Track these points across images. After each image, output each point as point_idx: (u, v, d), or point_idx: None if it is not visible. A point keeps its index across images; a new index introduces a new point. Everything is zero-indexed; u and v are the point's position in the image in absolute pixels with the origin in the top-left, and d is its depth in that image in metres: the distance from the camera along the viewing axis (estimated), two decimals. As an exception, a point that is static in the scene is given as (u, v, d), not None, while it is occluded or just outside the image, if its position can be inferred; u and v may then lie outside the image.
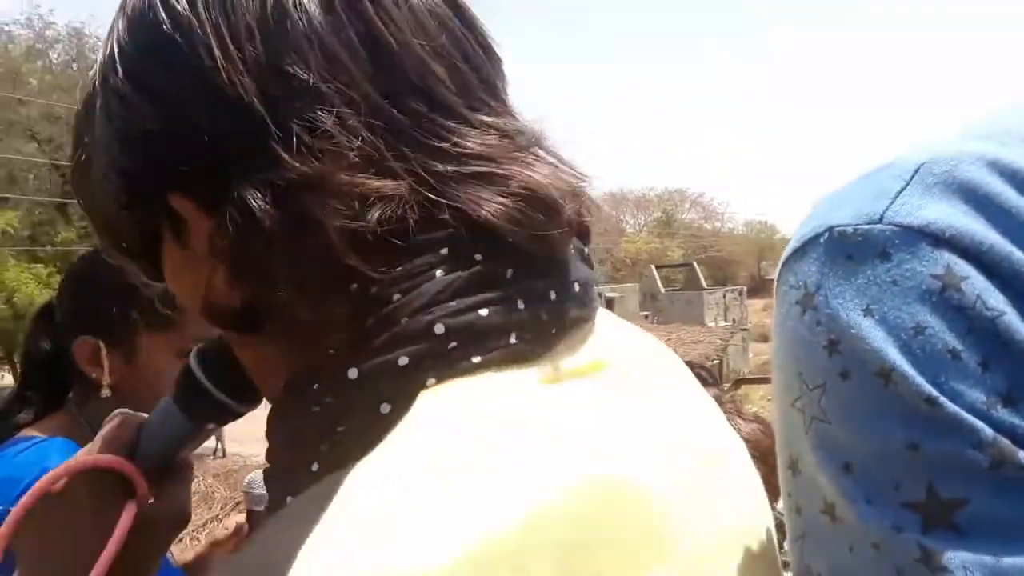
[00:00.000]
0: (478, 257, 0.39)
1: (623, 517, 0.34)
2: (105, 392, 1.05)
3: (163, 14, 0.40)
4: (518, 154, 0.41)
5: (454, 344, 0.37)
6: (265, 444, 0.42)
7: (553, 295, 0.40)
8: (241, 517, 1.23)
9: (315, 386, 0.39)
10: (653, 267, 31.42)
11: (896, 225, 0.35)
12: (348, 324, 0.38)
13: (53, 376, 1.09)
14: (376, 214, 0.37)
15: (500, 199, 0.39)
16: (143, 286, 1.03)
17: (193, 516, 1.22)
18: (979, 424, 0.32)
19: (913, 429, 0.33)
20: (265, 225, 0.38)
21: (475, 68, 0.42)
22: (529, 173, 0.40)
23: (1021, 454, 0.31)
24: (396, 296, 0.38)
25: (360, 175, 0.37)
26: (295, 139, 0.38)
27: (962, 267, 0.33)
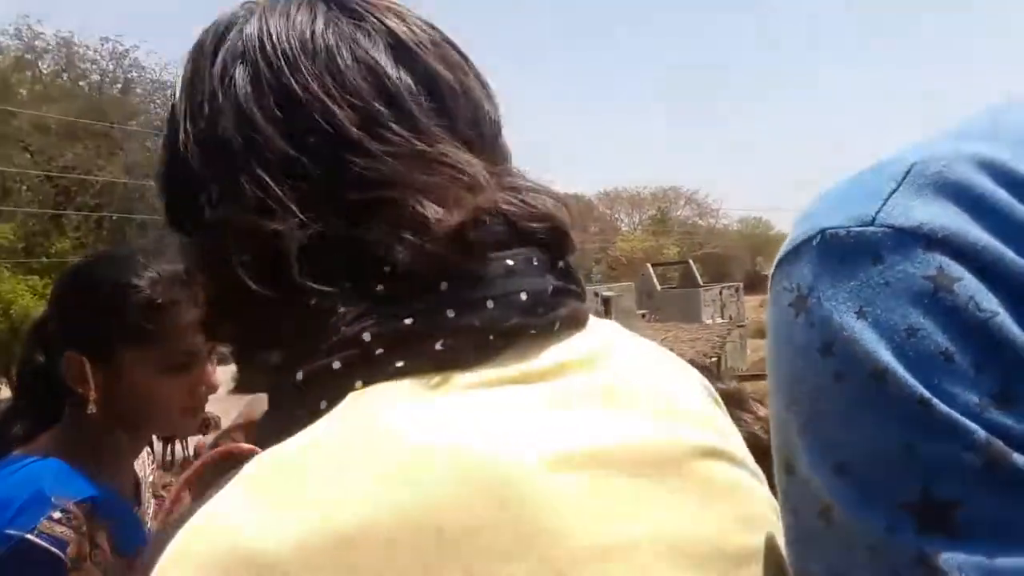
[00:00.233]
0: (413, 273, 0.43)
1: (485, 507, 0.37)
2: (91, 408, 1.01)
3: (170, 104, 0.54)
4: (466, 177, 0.46)
5: (380, 350, 0.42)
6: None
7: (490, 304, 0.43)
8: None
9: (277, 387, 0.46)
10: (649, 265, 31.46)
11: (888, 227, 0.35)
12: (300, 334, 0.44)
13: (47, 389, 1.07)
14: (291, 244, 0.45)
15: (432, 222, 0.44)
16: (128, 300, 1.02)
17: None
18: (972, 426, 0.32)
19: (907, 431, 0.33)
20: (195, 252, 0.51)
21: (421, 103, 0.48)
22: (469, 195, 0.45)
23: (1014, 455, 0.31)
24: (341, 309, 0.43)
25: (266, 218, 0.45)
26: (211, 193, 0.48)
27: (955, 269, 0.33)
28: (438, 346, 0.42)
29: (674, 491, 0.43)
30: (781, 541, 0.45)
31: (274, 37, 0.48)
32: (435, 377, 0.41)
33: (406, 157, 0.45)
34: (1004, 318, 0.32)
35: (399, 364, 0.42)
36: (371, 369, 0.42)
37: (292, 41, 0.47)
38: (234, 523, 0.36)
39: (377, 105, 0.46)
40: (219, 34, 0.50)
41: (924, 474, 0.32)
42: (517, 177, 0.49)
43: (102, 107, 17.85)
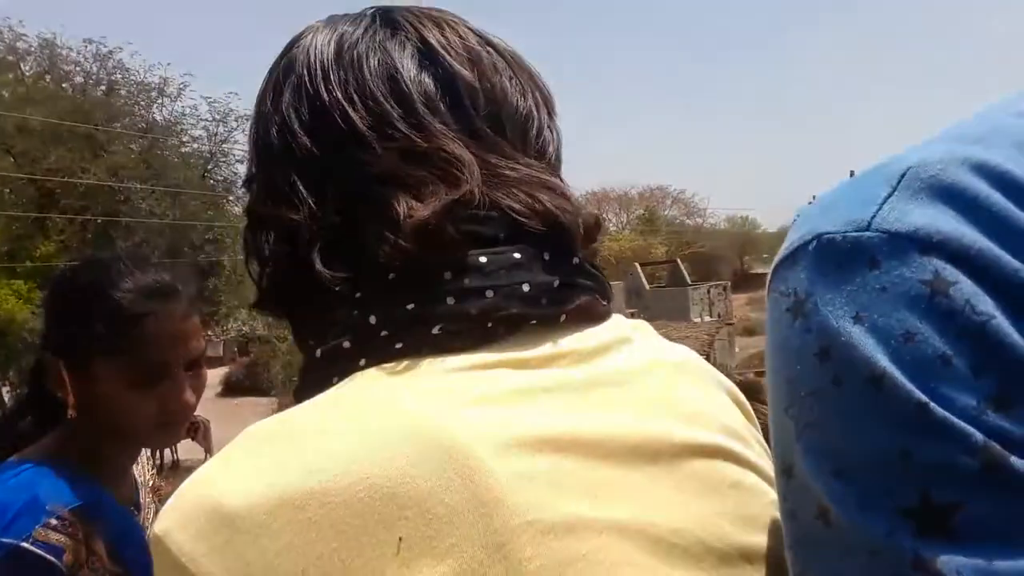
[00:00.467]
0: (422, 264, 0.47)
1: (439, 478, 0.39)
2: (71, 413, 1.01)
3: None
4: (509, 173, 0.49)
5: (384, 332, 0.46)
6: None
7: (490, 294, 0.46)
8: None
9: (305, 362, 0.50)
10: (637, 265, 31.49)
11: (884, 231, 0.35)
12: (322, 316, 0.49)
13: (43, 392, 1.06)
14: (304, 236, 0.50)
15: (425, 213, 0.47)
16: (97, 308, 1.00)
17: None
18: (970, 429, 0.32)
19: (905, 435, 0.33)
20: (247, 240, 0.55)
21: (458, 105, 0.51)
22: (492, 189, 0.48)
23: (1012, 458, 0.32)
24: (357, 295, 0.48)
25: (291, 211, 0.51)
26: (258, 189, 0.54)
27: (950, 272, 0.33)
28: (435, 330, 0.45)
29: (654, 481, 0.44)
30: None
31: (318, 49, 0.53)
32: (428, 359, 0.45)
33: (405, 152, 0.49)
34: (1001, 321, 0.33)
35: (398, 346, 0.46)
36: (374, 349, 0.46)
37: (329, 52, 0.52)
38: (211, 479, 0.41)
39: (388, 106, 0.50)
40: (287, 48, 0.56)
41: (922, 478, 0.32)
42: (539, 172, 0.51)
43: (86, 109, 17.69)
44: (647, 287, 28.93)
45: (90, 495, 0.98)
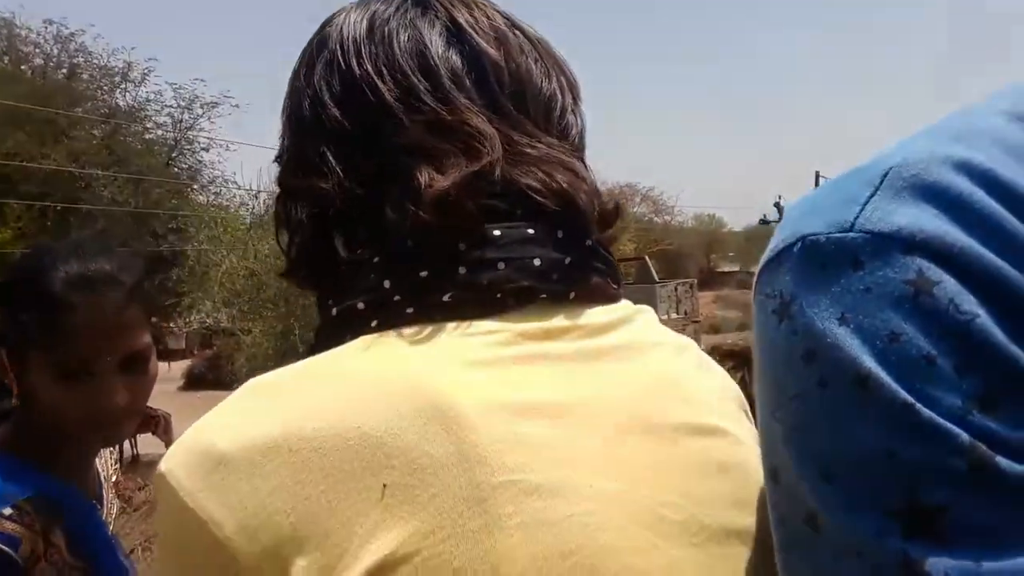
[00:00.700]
0: (438, 234, 0.48)
1: (426, 431, 0.41)
2: (14, 401, 0.96)
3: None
4: (530, 151, 0.51)
5: (397, 297, 0.48)
6: None
7: (502, 266, 0.48)
8: None
9: (322, 323, 0.52)
10: (606, 261, 31.54)
11: (867, 232, 0.35)
12: (342, 277, 0.50)
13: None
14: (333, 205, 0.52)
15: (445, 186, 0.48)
16: (27, 297, 0.95)
17: (144, 527, 1.17)
18: (956, 430, 0.32)
19: (891, 436, 0.33)
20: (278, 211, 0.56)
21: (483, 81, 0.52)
22: (511, 168, 0.50)
23: (998, 459, 0.32)
24: (376, 260, 0.49)
25: (321, 180, 0.52)
26: (289, 160, 0.56)
27: (934, 271, 0.33)
28: (446, 298, 0.47)
29: (648, 455, 0.45)
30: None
31: (351, 26, 0.55)
32: (434, 324, 0.47)
33: (431, 124, 0.50)
34: (985, 320, 0.33)
35: (409, 310, 0.47)
36: (387, 312, 0.48)
37: (361, 29, 0.54)
38: (207, 424, 0.44)
39: (416, 79, 0.52)
40: (321, 26, 0.57)
41: (909, 479, 0.32)
42: (560, 152, 0.52)
43: (46, 92, 17.25)
44: (615, 284, 28.97)
45: (47, 487, 0.95)
